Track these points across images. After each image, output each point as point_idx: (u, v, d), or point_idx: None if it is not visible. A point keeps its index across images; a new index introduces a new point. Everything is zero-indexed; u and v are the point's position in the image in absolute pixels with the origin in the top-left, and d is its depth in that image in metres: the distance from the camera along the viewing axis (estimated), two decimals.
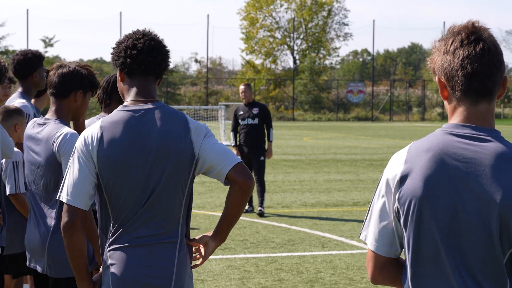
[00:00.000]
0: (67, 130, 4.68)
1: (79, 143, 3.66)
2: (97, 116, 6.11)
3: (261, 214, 13.30)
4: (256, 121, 13.66)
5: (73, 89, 4.78)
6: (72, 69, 4.79)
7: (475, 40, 2.67)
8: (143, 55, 3.68)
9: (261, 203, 13.46)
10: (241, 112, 13.80)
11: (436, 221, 2.64)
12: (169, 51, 3.79)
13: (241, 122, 13.77)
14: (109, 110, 5.89)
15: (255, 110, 13.70)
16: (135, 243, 3.60)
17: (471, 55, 2.65)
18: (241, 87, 13.88)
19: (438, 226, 2.64)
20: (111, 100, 5.89)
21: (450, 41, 2.70)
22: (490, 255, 2.61)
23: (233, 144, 14.02)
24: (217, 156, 3.64)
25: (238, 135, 13.94)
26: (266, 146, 13.83)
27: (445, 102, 2.78)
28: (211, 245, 3.77)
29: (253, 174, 13.69)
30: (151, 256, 3.61)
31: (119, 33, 63.13)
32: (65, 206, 3.63)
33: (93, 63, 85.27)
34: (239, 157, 13.54)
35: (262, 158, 13.64)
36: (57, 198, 3.73)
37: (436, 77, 2.76)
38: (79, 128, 4.99)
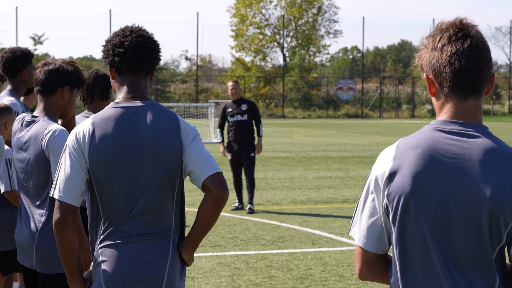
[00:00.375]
0: (56, 126, 4.68)
1: (70, 139, 3.66)
2: (81, 114, 6.08)
3: (251, 212, 13.30)
4: (245, 117, 13.69)
5: (59, 85, 4.77)
6: (57, 65, 4.78)
7: (463, 37, 2.67)
8: (130, 53, 3.67)
9: (251, 200, 13.48)
10: (230, 109, 13.80)
11: (425, 217, 2.65)
12: (158, 46, 3.77)
13: (230, 119, 13.78)
14: (92, 108, 5.88)
15: (244, 107, 13.72)
16: (127, 240, 3.60)
17: (459, 51, 2.66)
18: (230, 83, 13.90)
19: (427, 222, 2.65)
20: (93, 97, 5.88)
21: (438, 38, 2.71)
22: (479, 251, 2.62)
23: (220, 140, 14.11)
24: (199, 162, 3.64)
25: (227, 132, 13.94)
26: (256, 142, 13.86)
27: (433, 99, 2.79)
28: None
29: (243, 171, 13.71)
30: (144, 252, 3.61)
31: (109, 30, 62.99)
32: (56, 203, 3.62)
33: (82, 61, 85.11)
34: (228, 154, 13.60)
35: (252, 154, 13.67)
36: (49, 194, 3.73)
37: (424, 74, 2.77)
38: (69, 125, 4.98)
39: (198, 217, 3.66)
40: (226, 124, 14.00)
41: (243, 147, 13.66)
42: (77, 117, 6.06)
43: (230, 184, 14.67)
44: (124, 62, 3.69)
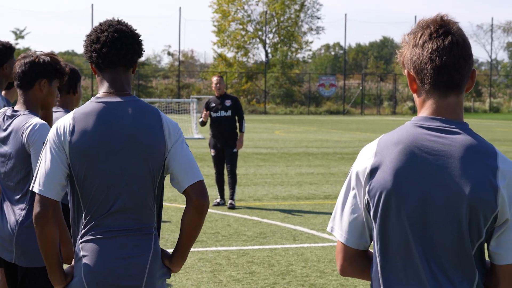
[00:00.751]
0: (36, 120, 4.66)
1: (51, 134, 3.65)
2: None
3: (232, 207, 13.29)
4: (229, 113, 13.62)
5: (36, 78, 4.74)
6: (34, 58, 4.74)
7: (443, 34, 2.69)
8: (106, 48, 3.66)
9: (232, 196, 13.46)
10: (213, 104, 13.70)
11: (406, 213, 2.66)
12: (136, 40, 3.73)
13: (213, 114, 13.68)
14: (60, 102, 5.81)
15: (228, 102, 13.65)
16: (108, 235, 3.60)
17: (440, 48, 2.67)
18: (214, 78, 13.82)
19: (408, 218, 2.66)
20: (60, 91, 5.81)
21: (419, 35, 2.72)
22: (459, 247, 2.64)
23: (200, 120, 13.87)
24: (182, 167, 3.65)
25: (209, 127, 13.84)
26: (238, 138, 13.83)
27: (415, 95, 2.80)
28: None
29: (225, 166, 13.67)
30: (125, 248, 3.60)
31: (91, 25, 62.79)
32: (37, 197, 3.60)
33: (64, 56, 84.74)
34: (211, 150, 13.34)
35: (235, 150, 13.63)
36: (29, 188, 3.71)
37: (406, 71, 2.79)
38: (47, 118, 4.95)
39: (184, 228, 3.68)
40: (208, 119, 13.89)
41: (226, 142, 13.60)
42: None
43: (212, 180, 14.67)
44: (101, 58, 3.67)
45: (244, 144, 14.15)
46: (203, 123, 13.86)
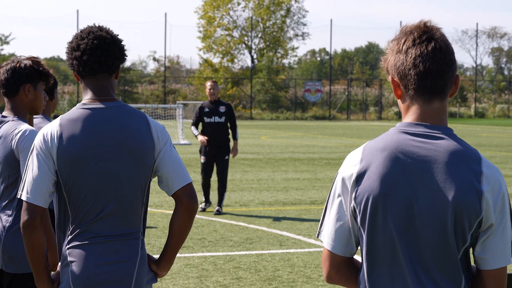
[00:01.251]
0: (26, 127, 4.65)
1: (38, 140, 3.64)
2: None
3: (218, 213, 13.22)
4: (222, 119, 13.44)
5: (20, 84, 4.72)
6: (15, 64, 4.72)
7: (427, 39, 2.71)
8: (86, 56, 3.65)
9: (220, 203, 13.38)
10: (207, 110, 13.48)
11: (392, 219, 2.67)
12: (117, 46, 3.71)
13: (206, 120, 13.45)
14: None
15: (222, 109, 13.48)
16: (95, 241, 3.60)
17: (423, 54, 2.69)
18: (209, 83, 13.59)
19: (394, 224, 2.67)
20: None
21: (403, 41, 2.74)
22: (445, 252, 2.65)
23: (196, 134, 13.49)
24: (171, 170, 3.67)
25: (201, 132, 13.49)
26: (231, 145, 13.72)
27: (399, 101, 2.81)
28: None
29: (215, 172, 13.51)
30: (112, 253, 3.60)
31: (76, 30, 62.57)
32: (24, 204, 3.60)
33: (49, 61, 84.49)
34: (201, 157, 13.01)
35: (226, 157, 13.49)
36: (16, 196, 3.70)
37: (390, 77, 2.80)
38: (31, 123, 4.94)
39: (173, 231, 3.70)
40: (200, 124, 13.67)
41: (219, 149, 13.43)
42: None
43: (198, 186, 14.66)
44: (82, 66, 3.66)
45: (237, 151, 13.95)
46: (202, 142, 13.42)
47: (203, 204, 13.63)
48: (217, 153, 13.43)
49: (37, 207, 3.58)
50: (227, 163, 13.56)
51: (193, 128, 13.68)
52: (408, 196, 2.66)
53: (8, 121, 4.71)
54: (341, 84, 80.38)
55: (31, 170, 3.62)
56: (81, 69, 3.67)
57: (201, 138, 13.35)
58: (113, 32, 3.74)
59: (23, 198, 3.60)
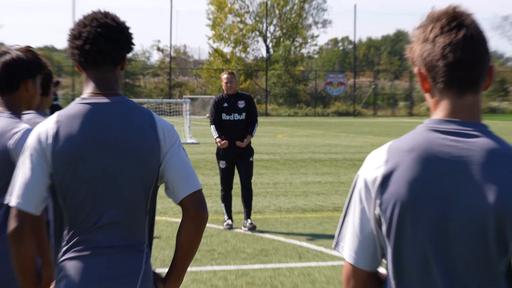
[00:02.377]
0: (26, 126, 4.63)
1: (31, 140, 3.61)
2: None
3: (253, 228, 12.55)
4: (243, 116, 12.73)
5: (21, 80, 4.73)
6: (15, 57, 4.71)
7: (456, 27, 2.70)
8: (88, 45, 3.62)
9: (249, 214, 12.71)
10: (226, 105, 12.74)
11: (424, 228, 2.65)
12: (124, 35, 3.68)
13: (225, 117, 12.72)
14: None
15: (241, 104, 12.73)
16: (94, 252, 3.55)
17: (453, 42, 2.68)
18: (224, 76, 12.82)
19: (426, 235, 2.65)
20: None
21: (430, 28, 2.74)
22: (485, 263, 2.63)
23: (215, 136, 12.69)
24: (178, 175, 3.65)
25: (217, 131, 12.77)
26: (246, 139, 12.74)
27: (427, 96, 2.83)
28: None
29: (239, 179, 12.78)
30: (113, 266, 3.56)
31: (72, 17, 63.01)
32: (13, 211, 3.57)
33: (42, 51, 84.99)
34: (221, 162, 12.55)
35: (251, 159, 12.75)
36: (4, 202, 3.68)
37: (416, 68, 2.81)
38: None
39: (180, 244, 3.66)
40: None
41: (241, 150, 12.66)
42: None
43: (208, 190, 14.60)
44: (83, 56, 3.65)
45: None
46: (222, 146, 12.68)
47: (229, 220, 12.82)
48: (241, 155, 12.69)
49: (27, 214, 3.56)
50: (251, 166, 12.81)
51: (212, 128, 12.86)
52: (442, 203, 2.63)
53: (2, 118, 4.66)
54: (367, 76, 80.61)
55: (22, 172, 3.60)
56: (83, 60, 3.65)
57: (221, 141, 12.61)
58: (119, 19, 3.72)
59: (12, 203, 3.57)
